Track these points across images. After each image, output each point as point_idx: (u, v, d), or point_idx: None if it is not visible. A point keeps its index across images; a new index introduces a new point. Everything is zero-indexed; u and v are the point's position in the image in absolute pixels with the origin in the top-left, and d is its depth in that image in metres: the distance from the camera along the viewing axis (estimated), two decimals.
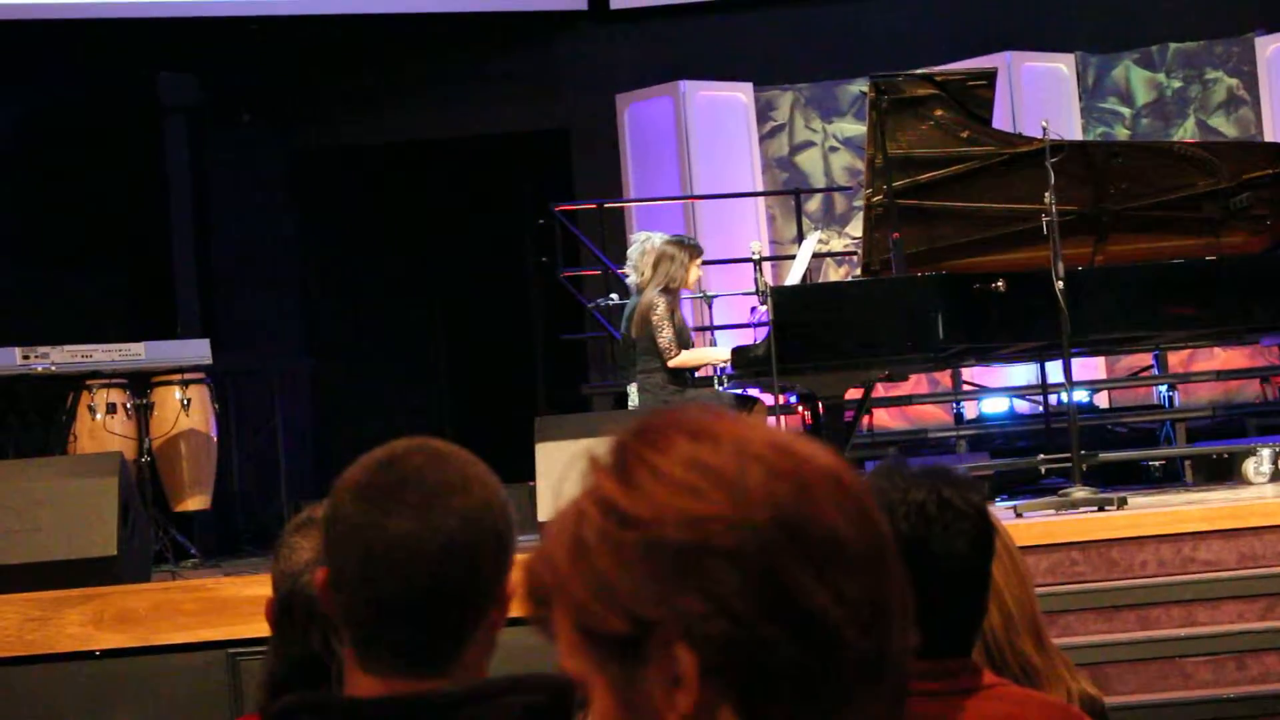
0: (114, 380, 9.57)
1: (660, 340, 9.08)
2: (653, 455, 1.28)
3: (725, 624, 1.22)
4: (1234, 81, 12.96)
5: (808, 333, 8.57)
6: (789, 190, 13.00)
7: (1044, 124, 8.64)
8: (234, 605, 6.95)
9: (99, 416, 9.49)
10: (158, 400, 9.67)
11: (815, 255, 11.15)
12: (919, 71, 9.61)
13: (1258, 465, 9.33)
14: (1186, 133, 12.82)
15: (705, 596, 1.23)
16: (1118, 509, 7.77)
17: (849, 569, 1.24)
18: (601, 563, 1.26)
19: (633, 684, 1.27)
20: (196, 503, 9.91)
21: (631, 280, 9.45)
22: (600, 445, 1.33)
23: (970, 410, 11.91)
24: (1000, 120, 10.00)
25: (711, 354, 9.61)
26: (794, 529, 1.24)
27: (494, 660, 2.03)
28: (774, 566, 1.23)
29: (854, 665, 1.24)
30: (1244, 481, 9.34)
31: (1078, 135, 12.34)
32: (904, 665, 1.28)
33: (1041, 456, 9.59)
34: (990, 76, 9.20)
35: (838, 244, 13.01)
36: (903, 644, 1.27)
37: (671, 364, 9.13)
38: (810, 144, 13.32)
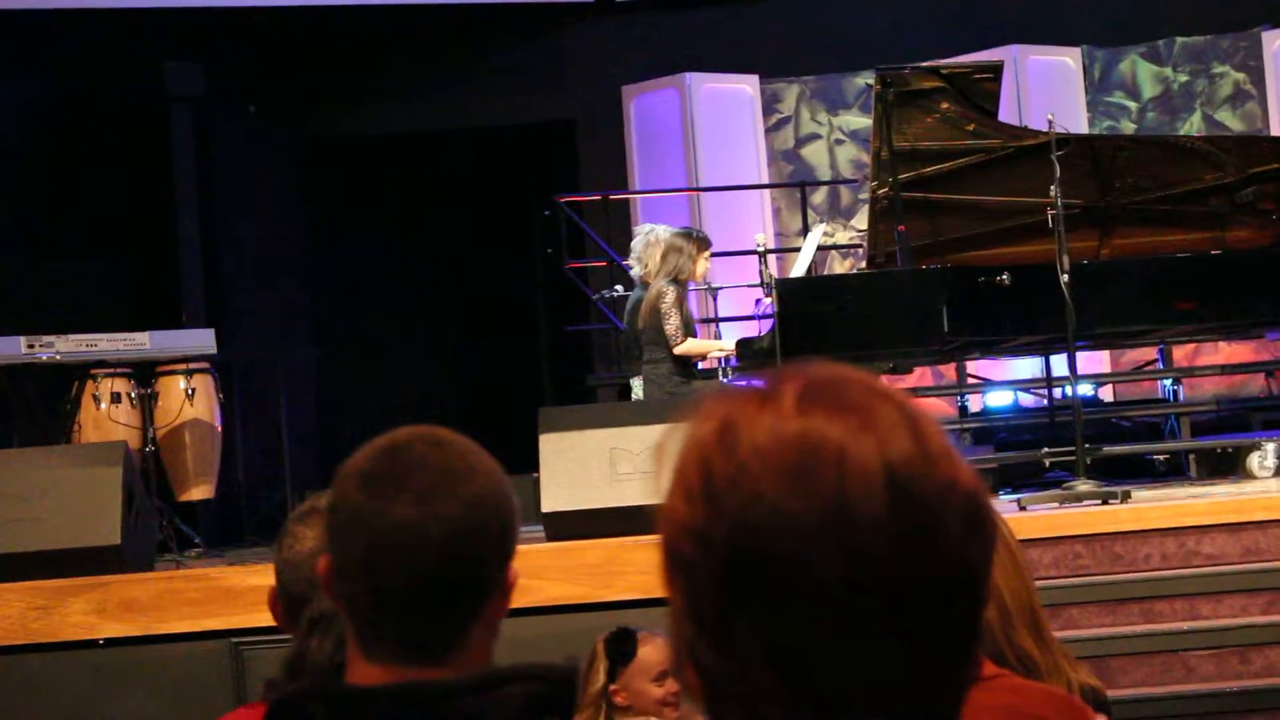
0: (119, 369, 9.58)
1: (667, 326, 9.08)
2: (690, 439, 1.27)
3: (689, 629, 1.24)
4: (1241, 76, 12.95)
5: (812, 325, 8.57)
6: (794, 183, 13.01)
7: (1050, 117, 8.64)
8: (237, 595, 6.95)
9: (103, 406, 9.49)
10: (162, 390, 9.67)
11: (820, 248, 11.14)
12: (925, 64, 9.61)
13: (1262, 459, 9.33)
14: (1193, 127, 12.82)
15: (678, 596, 1.24)
16: (1121, 502, 7.77)
17: (795, 612, 1.20)
18: (654, 520, 1.29)
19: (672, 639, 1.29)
20: (200, 492, 9.92)
21: (635, 272, 9.45)
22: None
23: (974, 403, 11.91)
24: (1006, 113, 10.00)
25: (716, 345, 9.62)
26: (747, 560, 1.20)
27: (498, 651, 2.03)
28: (721, 592, 1.21)
29: (793, 701, 1.21)
30: (1248, 476, 9.34)
31: (1084, 129, 12.33)
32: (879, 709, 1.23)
33: (1045, 450, 9.59)
34: (996, 70, 9.20)
35: (843, 236, 13.00)
36: (871, 690, 1.22)
37: (677, 350, 9.12)
38: (816, 136, 13.31)
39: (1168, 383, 11.53)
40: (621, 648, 4.30)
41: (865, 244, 9.62)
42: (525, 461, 7.48)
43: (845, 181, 13.17)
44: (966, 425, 11.48)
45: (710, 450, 1.24)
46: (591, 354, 12.91)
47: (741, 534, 1.20)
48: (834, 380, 1.27)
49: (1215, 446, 10.19)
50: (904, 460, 1.22)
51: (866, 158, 10.69)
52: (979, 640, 1.26)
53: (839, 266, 12.84)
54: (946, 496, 1.23)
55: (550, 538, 7.26)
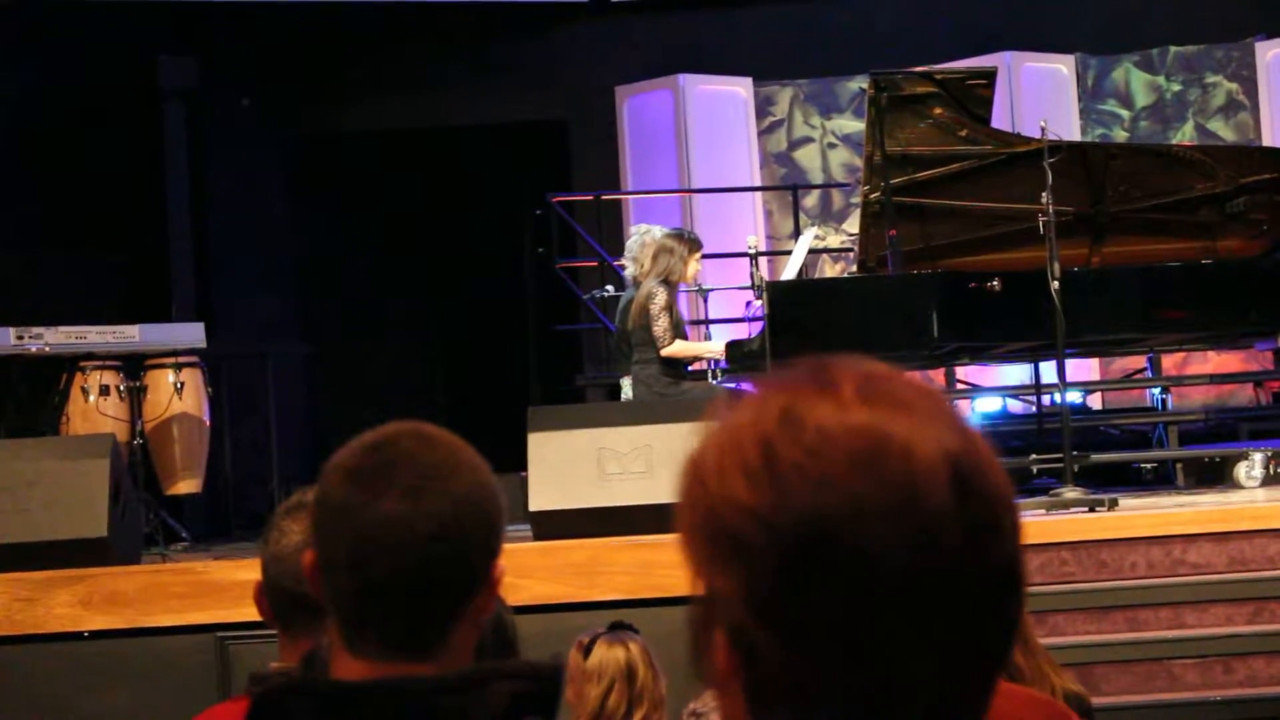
0: (108, 362, 9.57)
1: (655, 328, 9.08)
2: (746, 420, 1.26)
3: (740, 614, 1.22)
4: (1233, 86, 12.97)
5: (802, 328, 8.58)
6: (786, 186, 13.02)
7: (1042, 124, 8.64)
8: (223, 589, 6.95)
9: (92, 398, 9.49)
10: (151, 383, 9.67)
11: (811, 251, 11.13)
12: (919, 69, 9.63)
13: (1249, 469, 9.34)
14: (1185, 136, 12.83)
15: (733, 583, 1.22)
16: (1108, 510, 7.78)
17: (867, 601, 1.20)
18: (684, 510, 1.28)
19: (697, 622, 1.28)
20: (188, 486, 9.91)
21: (629, 272, 9.45)
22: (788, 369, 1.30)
23: (963, 409, 11.92)
24: (999, 120, 10.01)
25: (705, 347, 9.62)
26: (820, 548, 1.19)
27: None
28: (788, 579, 1.20)
29: (847, 689, 1.21)
30: (1235, 485, 9.35)
31: (1076, 136, 12.34)
32: (932, 701, 1.23)
33: (1033, 456, 9.59)
34: (990, 76, 9.21)
35: (834, 240, 13.00)
36: (932, 679, 1.22)
37: (664, 353, 9.12)
38: (809, 140, 13.32)
39: (1156, 391, 11.54)
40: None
41: (856, 248, 9.63)
42: (513, 460, 7.49)
43: (837, 185, 13.18)
44: None
45: (772, 434, 1.23)
46: (581, 354, 12.91)
47: (813, 519, 1.19)
48: (888, 376, 1.28)
49: (1203, 456, 10.20)
50: (964, 455, 1.23)
51: (859, 162, 10.69)
52: (1013, 647, 1.27)
53: (830, 270, 12.84)
54: (1001, 493, 1.25)
55: (537, 537, 7.27)
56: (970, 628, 1.22)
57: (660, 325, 9.09)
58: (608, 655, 4.30)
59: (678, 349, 9.20)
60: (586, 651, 4.32)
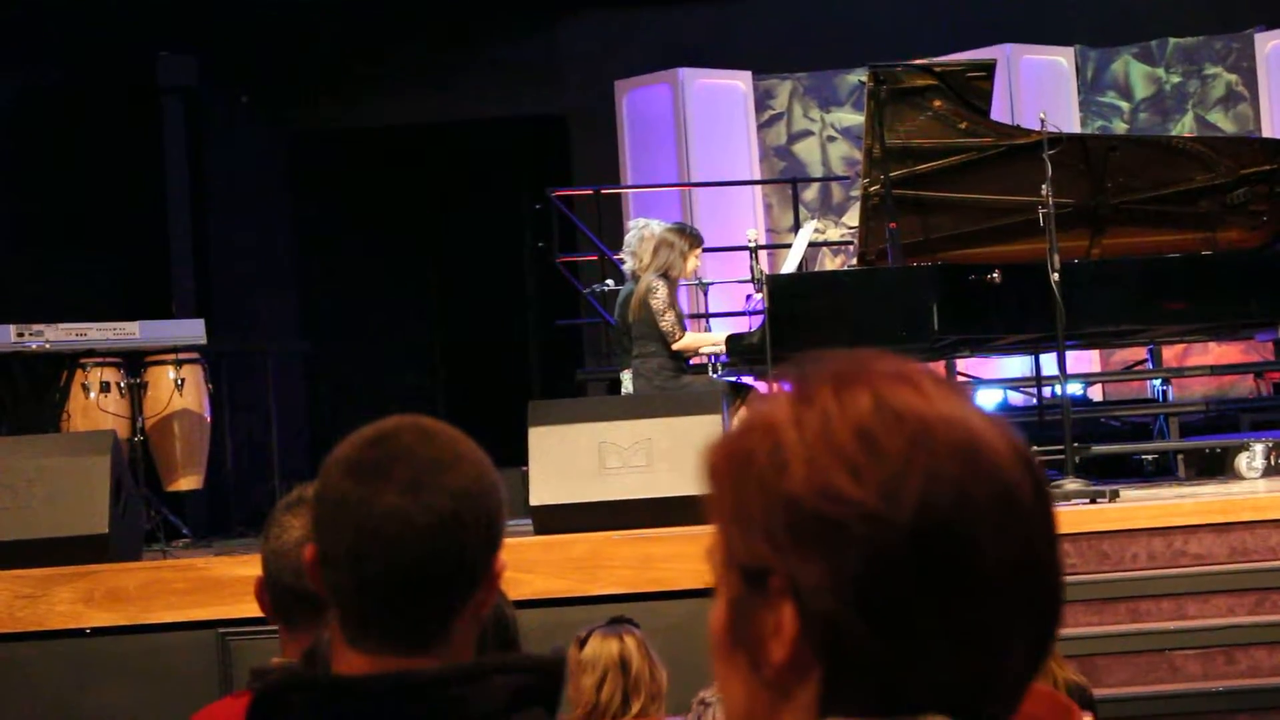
0: (108, 359, 9.57)
1: (664, 324, 9.07)
2: (833, 404, 1.24)
3: (833, 604, 1.21)
4: (1233, 77, 12.96)
5: (802, 321, 8.58)
6: (786, 179, 13.01)
7: (1042, 116, 8.64)
8: (224, 585, 6.96)
9: (93, 395, 9.49)
10: (151, 379, 9.67)
11: (811, 244, 11.14)
12: (918, 62, 9.61)
13: (1250, 460, 9.34)
14: (1185, 128, 12.83)
15: (825, 571, 1.21)
16: (1110, 502, 7.78)
17: (975, 591, 1.21)
18: (750, 490, 1.25)
19: (748, 610, 1.26)
20: (188, 482, 9.92)
21: (628, 266, 9.44)
22: (812, 362, 1.30)
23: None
24: (999, 112, 10.00)
25: (714, 337, 9.62)
26: (932, 539, 1.20)
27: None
28: (896, 570, 1.20)
29: (943, 679, 1.22)
30: (1236, 476, 9.35)
31: (1076, 128, 12.34)
32: (1007, 689, 1.25)
33: (1034, 448, 9.57)
34: (989, 68, 9.20)
35: (834, 233, 13.01)
36: (1014, 668, 1.24)
37: (676, 346, 9.12)
38: (808, 133, 13.32)
39: (1157, 383, 11.54)
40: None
41: (856, 241, 9.63)
42: (514, 454, 7.49)
43: (837, 178, 13.18)
44: None
45: (871, 424, 1.23)
46: (582, 348, 12.91)
47: (926, 511, 1.20)
48: (930, 369, 1.29)
49: (1204, 447, 10.20)
50: (1027, 449, 1.27)
51: (858, 155, 10.68)
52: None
53: (830, 263, 12.84)
54: (1050, 488, 1.29)
55: (538, 531, 7.27)
56: (1047, 619, 1.25)
57: (668, 320, 9.08)
58: (601, 647, 4.31)
59: (688, 342, 9.21)
60: (582, 645, 4.33)
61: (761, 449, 1.25)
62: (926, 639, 1.21)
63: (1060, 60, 12.95)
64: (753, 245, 9.73)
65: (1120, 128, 12.91)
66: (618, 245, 9.80)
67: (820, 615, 1.22)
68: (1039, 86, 12.66)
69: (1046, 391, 10.78)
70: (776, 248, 12.54)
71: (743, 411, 8.49)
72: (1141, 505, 7.64)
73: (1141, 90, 13.09)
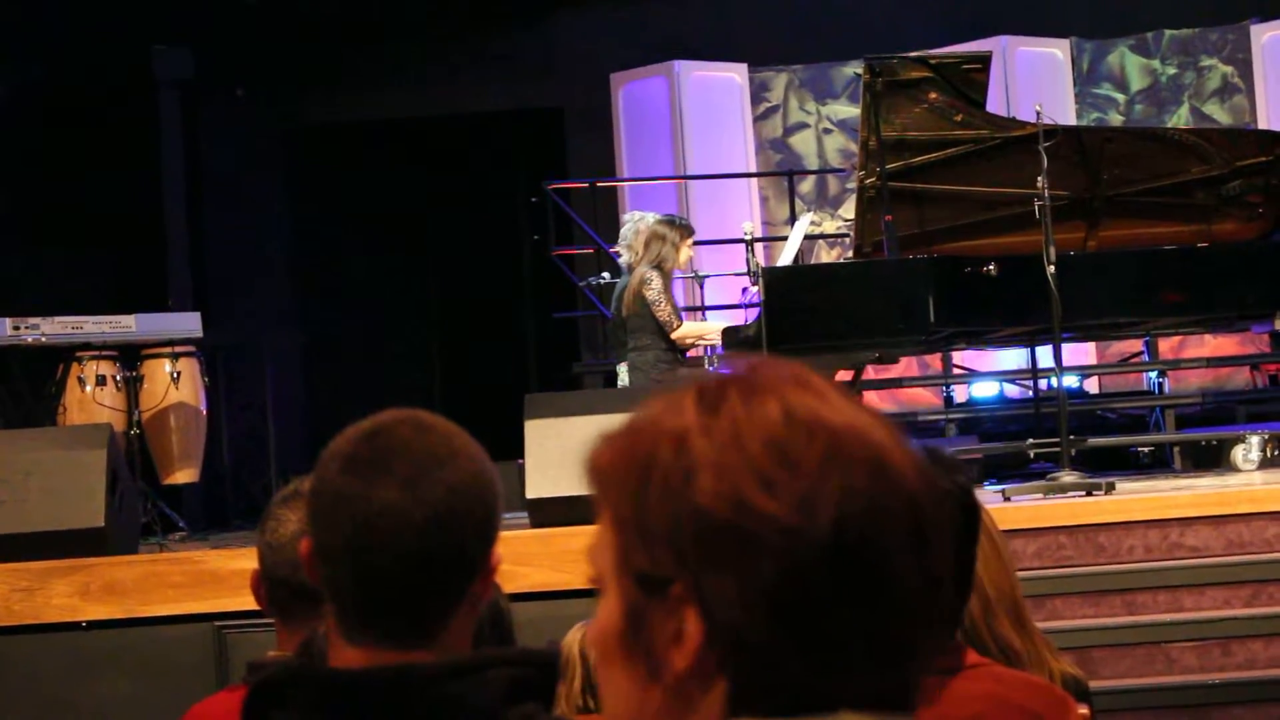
0: (104, 352, 9.56)
1: (661, 314, 9.08)
2: (741, 414, 1.23)
3: (742, 616, 1.20)
4: (1229, 69, 12.96)
5: (799, 314, 8.57)
6: (782, 171, 13.01)
7: (1038, 108, 8.64)
8: (221, 578, 6.95)
9: (89, 388, 9.48)
10: (148, 373, 9.66)
11: (807, 237, 11.15)
12: (914, 54, 9.61)
13: (1246, 452, 9.35)
14: (1180, 119, 12.83)
15: (735, 584, 1.20)
16: (1106, 494, 7.78)
17: (889, 605, 1.22)
18: (652, 498, 1.24)
19: (643, 614, 1.25)
20: (185, 475, 9.91)
21: (624, 259, 9.44)
22: (712, 373, 1.29)
23: (960, 394, 11.92)
24: (994, 104, 10.00)
25: (712, 326, 9.63)
26: (848, 552, 1.20)
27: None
28: (812, 582, 1.20)
29: (857, 685, 1.22)
30: (1232, 468, 9.35)
31: (1072, 120, 12.33)
32: (915, 691, 1.26)
33: (1030, 441, 9.60)
34: (985, 60, 9.20)
35: (830, 226, 13.01)
36: (918, 674, 1.25)
37: (674, 335, 9.12)
38: (804, 125, 13.32)
39: (1153, 375, 11.55)
40: None
41: (852, 233, 9.62)
42: (510, 448, 7.48)
43: (833, 170, 13.18)
44: (952, 416, 11.49)
45: (782, 436, 1.22)
46: (578, 341, 12.91)
47: (843, 525, 1.20)
48: (820, 375, 1.29)
49: (1200, 439, 10.21)
50: (920, 459, 1.26)
51: (854, 147, 10.69)
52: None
53: (826, 255, 12.84)
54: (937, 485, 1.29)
55: (535, 524, 7.26)
56: (949, 623, 1.27)
57: (666, 311, 9.08)
58: (577, 635, 4.30)
59: (687, 330, 9.22)
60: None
61: (665, 456, 1.24)
62: (841, 645, 1.21)
63: (1056, 52, 12.95)
64: (749, 238, 9.73)
65: (1116, 119, 12.91)
66: (614, 238, 9.79)
67: (728, 626, 1.21)
68: (1034, 78, 12.65)
69: (1043, 384, 10.78)
70: (773, 240, 12.54)
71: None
72: (1137, 498, 7.64)
73: (1137, 82, 13.09)
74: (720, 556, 1.21)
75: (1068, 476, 8.04)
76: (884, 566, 1.21)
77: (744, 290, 9.96)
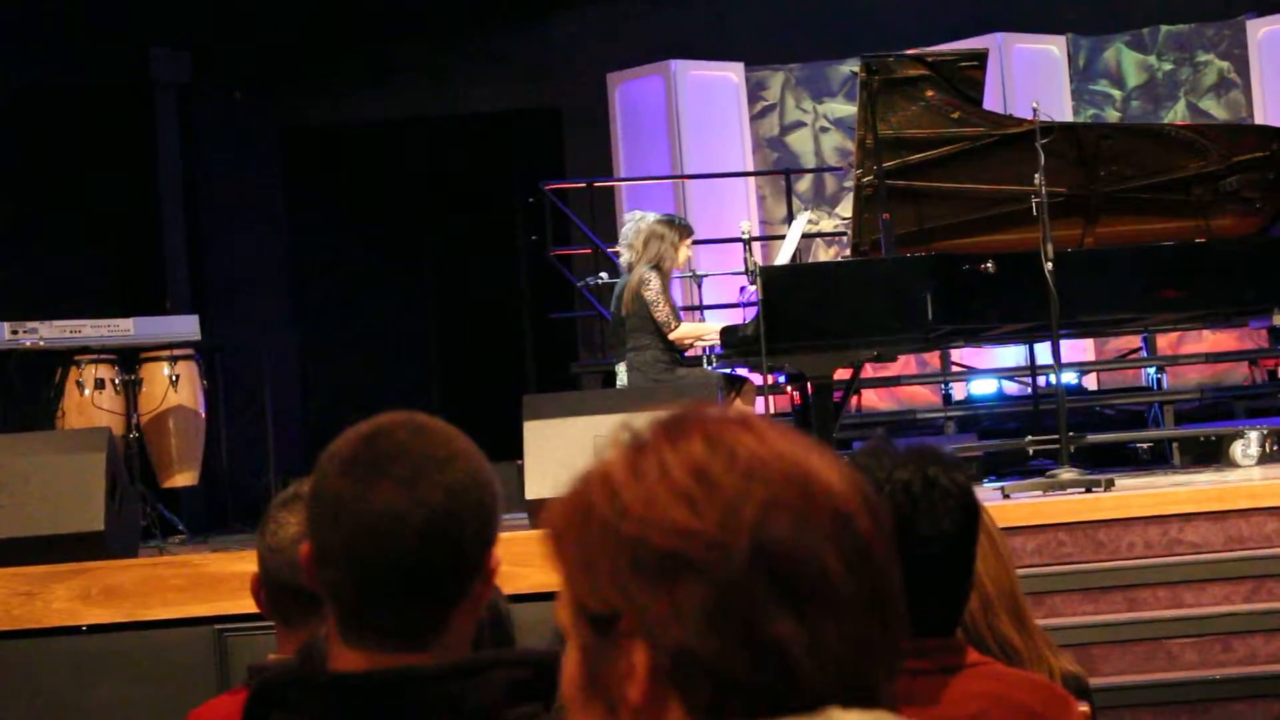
0: (103, 356, 9.56)
1: (658, 315, 9.08)
2: (667, 450, 1.29)
3: (682, 635, 1.24)
4: (1225, 64, 12.97)
5: (797, 313, 8.57)
6: (779, 170, 13.01)
7: (1034, 105, 8.64)
8: (221, 581, 6.95)
9: (87, 392, 9.48)
10: (146, 376, 9.66)
11: (805, 235, 11.15)
12: (910, 52, 9.61)
13: (1245, 448, 9.35)
14: (1177, 115, 12.83)
15: (671, 605, 1.24)
16: (1105, 490, 7.79)
17: (828, 609, 1.25)
18: (592, 540, 1.29)
19: (600, 656, 1.29)
20: (184, 479, 9.91)
21: (624, 259, 9.45)
22: (638, 420, 1.34)
23: (959, 391, 11.93)
24: (991, 101, 10.00)
25: (710, 327, 9.63)
26: (775, 561, 1.24)
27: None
28: (743, 593, 1.23)
29: (811, 692, 1.24)
30: (1231, 464, 9.35)
31: (1068, 117, 12.34)
32: (878, 691, 1.29)
33: (1029, 438, 9.60)
34: (981, 57, 9.19)
35: (828, 224, 13.01)
36: (875, 678, 1.28)
37: (672, 336, 9.12)
38: (801, 124, 13.32)
39: (1152, 371, 11.56)
40: None
41: (850, 232, 9.61)
42: (509, 449, 7.48)
43: (830, 169, 13.18)
44: (951, 413, 11.49)
45: (703, 461, 1.27)
46: (576, 341, 12.91)
47: (766, 538, 1.24)
48: (765, 419, 1.35)
49: (1199, 435, 10.21)
50: (865, 486, 1.31)
51: (851, 145, 10.68)
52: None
53: (823, 254, 12.84)
54: (889, 519, 1.33)
55: (534, 525, 7.26)
56: (896, 632, 1.28)
57: (663, 311, 9.08)
58: None
59: (684, 332, 9.21)
60: None
61: (600, 498, 1.30)
62: (784, 655, 1.24)
63: (1052, 49, 12.95)
64: (746, 237, 9.72)
65: (1112, 116, 12.92)
66: (612, 238, 9.80)
67: (670, 647, 1.25)
68: (1031, 75, 12.66)
69: (1041, 381, 10.79)
70: (770, 239, 12.54)
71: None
72: (1137, 494, 7.64)
73: (1133, 78, 13.10)
74: (656, 579, 1.25)
75: (1067, 473, 8.04)
76: (814, 577, 1.24)
77: (742, 289, 9.96)
